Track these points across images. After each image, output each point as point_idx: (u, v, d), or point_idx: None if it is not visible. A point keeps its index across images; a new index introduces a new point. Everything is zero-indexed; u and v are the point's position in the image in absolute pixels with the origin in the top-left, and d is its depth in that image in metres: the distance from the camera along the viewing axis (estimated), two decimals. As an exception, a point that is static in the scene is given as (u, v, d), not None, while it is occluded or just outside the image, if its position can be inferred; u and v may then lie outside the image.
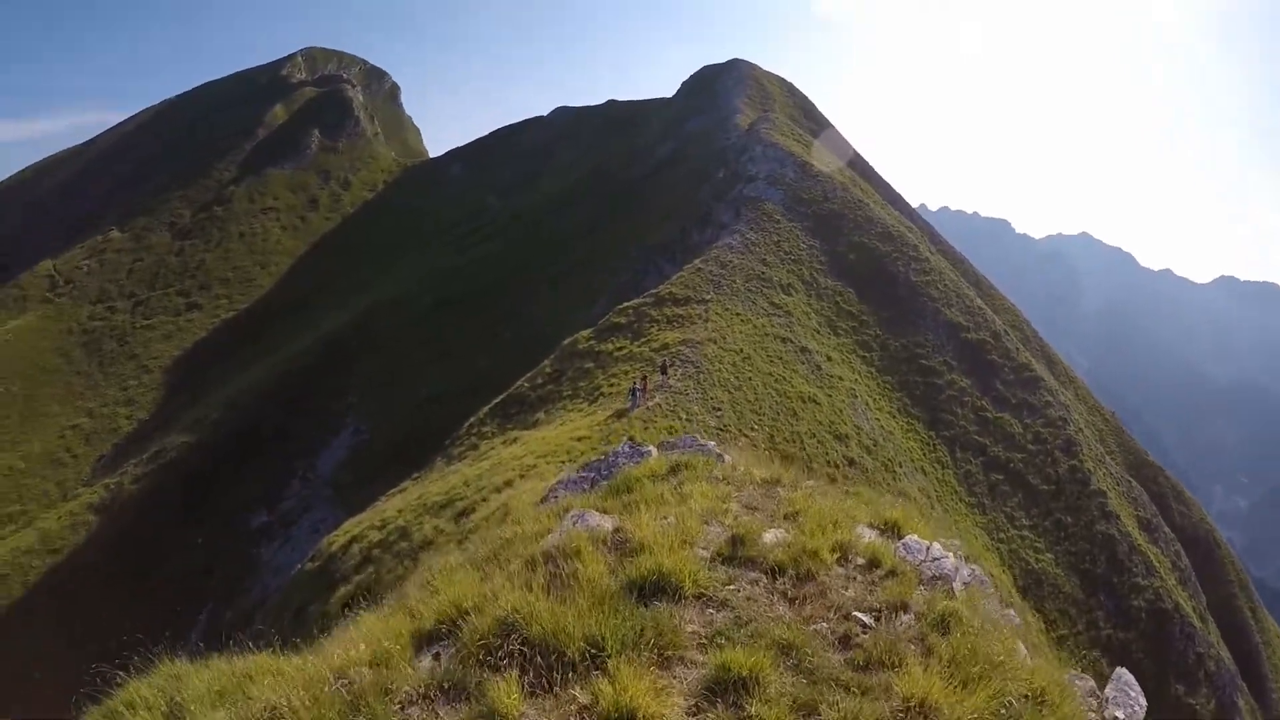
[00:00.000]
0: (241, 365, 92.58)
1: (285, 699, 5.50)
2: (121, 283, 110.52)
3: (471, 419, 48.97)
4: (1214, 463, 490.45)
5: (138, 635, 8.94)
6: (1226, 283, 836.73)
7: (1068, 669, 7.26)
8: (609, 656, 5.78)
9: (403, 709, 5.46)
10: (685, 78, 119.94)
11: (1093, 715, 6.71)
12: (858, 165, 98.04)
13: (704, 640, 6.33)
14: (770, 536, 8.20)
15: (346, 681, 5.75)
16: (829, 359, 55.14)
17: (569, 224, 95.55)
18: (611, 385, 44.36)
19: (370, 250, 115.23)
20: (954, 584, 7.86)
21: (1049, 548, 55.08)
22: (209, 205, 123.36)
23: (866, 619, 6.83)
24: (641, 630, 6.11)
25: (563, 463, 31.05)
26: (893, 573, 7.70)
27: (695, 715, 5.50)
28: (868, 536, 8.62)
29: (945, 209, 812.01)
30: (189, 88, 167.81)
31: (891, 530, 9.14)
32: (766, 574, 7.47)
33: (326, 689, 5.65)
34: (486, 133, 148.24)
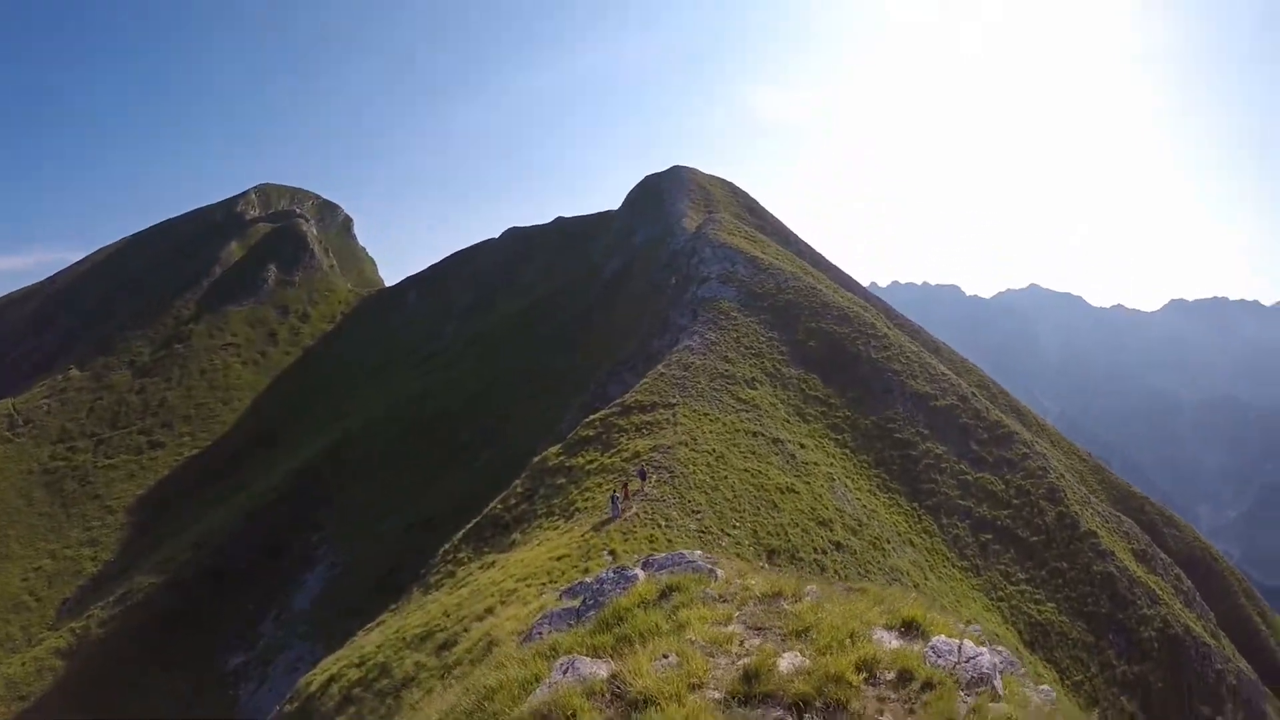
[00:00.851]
0: (208, 504, 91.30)
1: None
2: (82, 422, 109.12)
3: (446, 545, 48.02)
4: (1197, 482, 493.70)
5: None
6: (1177, 305, 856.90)
7: None
8: None
9: None
10: (629, 189, 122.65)
11: None
12: (806, 254, 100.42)
13: None
14: (786, 664, 7.39)
15: None
16: (802, 446, 55.44)
17: (530, 345, 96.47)
18: (586, 500, 43.85)
19: (331, 382, 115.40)
20: (995, 683, 7.27)
21: (1049, 597, 54.81)
22: (169, 342, 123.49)
23: None
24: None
25: (544, 584, 30.70)
26: (929, 685, 6.98)
27: None
28: (889, 642, 8.00)
29: (895, 283, 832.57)
30: (146, 226, 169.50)
31: (912, 630, 8.49)
32: (790, 710, 6.68)
33: None
34: (441, 259, 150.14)
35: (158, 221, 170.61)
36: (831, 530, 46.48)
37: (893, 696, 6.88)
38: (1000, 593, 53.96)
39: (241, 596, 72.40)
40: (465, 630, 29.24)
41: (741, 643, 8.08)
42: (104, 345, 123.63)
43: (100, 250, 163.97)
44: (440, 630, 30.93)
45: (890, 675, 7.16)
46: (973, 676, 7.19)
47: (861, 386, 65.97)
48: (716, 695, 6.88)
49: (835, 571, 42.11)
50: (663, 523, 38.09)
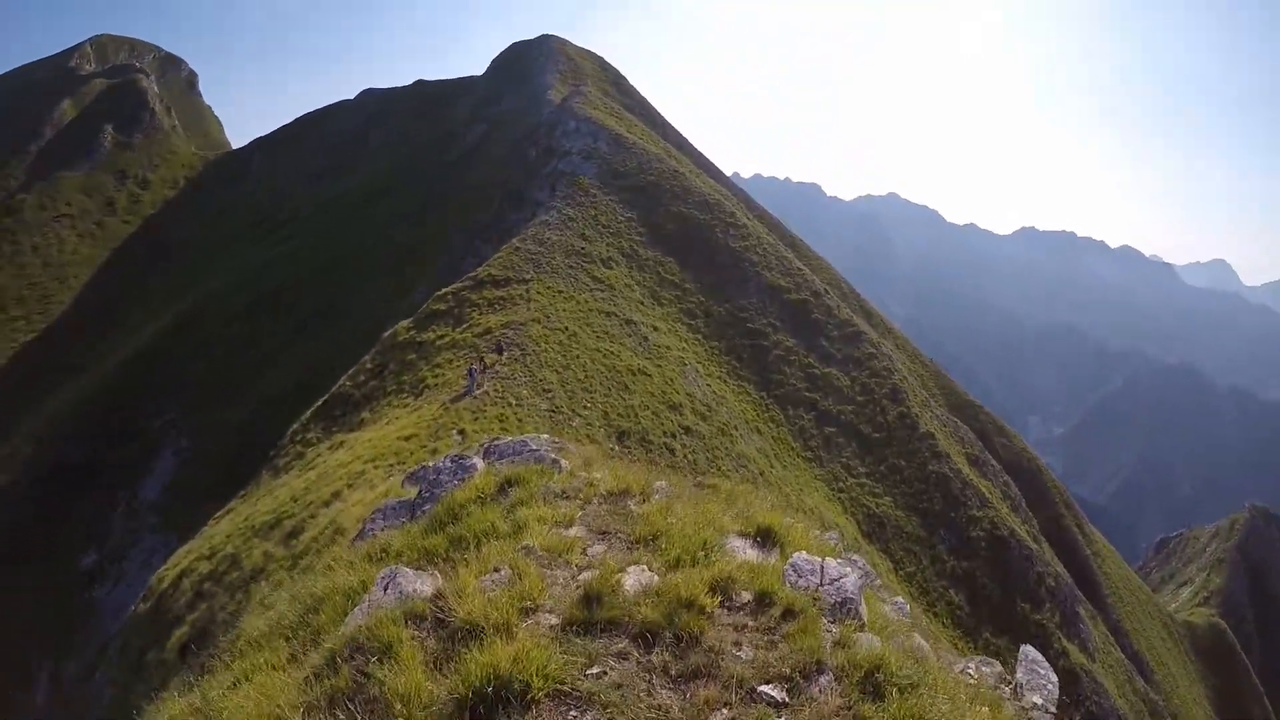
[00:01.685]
0: (47, 391, 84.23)
1: None
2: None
3: (294, 425, 45.48)
4: (1030, 397, 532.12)
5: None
6: (1029, 233, 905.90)
7: (972, 656, 6.54)
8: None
9: None
10: (494, 56, 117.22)
11: (1009, 704, 6.05)
12: (672, 137, 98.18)
13: None
14: (632, 581, 6.73)
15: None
16: (655, 329, 54.54)
17: (382, 214, 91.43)
18: (436, 376, 42.00)
19: (173, 254, 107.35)
20: (860, 609, 6.79)
21: (887, 491, 56.76)
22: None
23: (777, 694, 5.46)
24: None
25: (391, 465, 29.86)
26: (790, 612, 6.36)
27: None
28: (745, 552, 7.52)
29: (758, 176, 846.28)
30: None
31: (769, 539, 7.98)
32: (637, 642, 5.93)
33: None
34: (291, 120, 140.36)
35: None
36: (681, 414, 46.20)
37: (750, 624, 6.28)
38: (841, 484, 55.38)
39: (88, 489, 67.36)
40: (312, 517, 28.49)
41: (584, 551, 7.55)
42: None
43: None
44: (288, 517, 29.91)
45: (747, 598, 6.60)
46: (836, 601, 6.75)
47: (718, 274, 65.27)
48: (553, 620, 6.21)
49: (685, 456, 42.28)
50: (514, 401, 36.80)
